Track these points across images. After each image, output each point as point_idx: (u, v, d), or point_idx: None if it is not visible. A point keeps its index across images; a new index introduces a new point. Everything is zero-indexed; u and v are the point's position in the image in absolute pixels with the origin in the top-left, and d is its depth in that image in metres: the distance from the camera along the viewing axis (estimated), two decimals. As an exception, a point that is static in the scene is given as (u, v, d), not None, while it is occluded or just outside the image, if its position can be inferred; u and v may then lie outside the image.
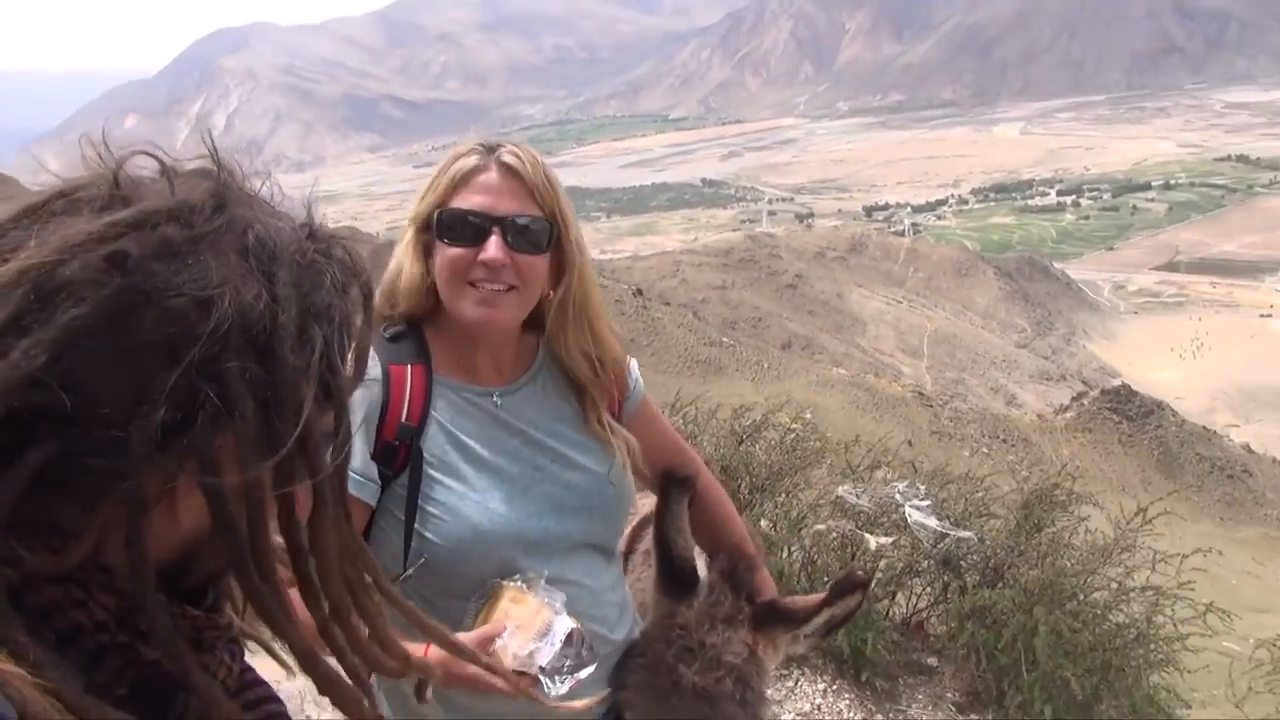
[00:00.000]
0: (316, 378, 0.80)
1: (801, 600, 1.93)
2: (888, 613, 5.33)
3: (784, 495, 5.69)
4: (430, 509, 1.71)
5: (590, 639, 1.69)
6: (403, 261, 1.79)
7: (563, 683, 1.61)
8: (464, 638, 1.60)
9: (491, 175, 1.73)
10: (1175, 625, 4.93)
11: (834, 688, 4.66)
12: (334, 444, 0.84)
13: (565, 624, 1.64)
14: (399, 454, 1.71)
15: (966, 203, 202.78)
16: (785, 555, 5.01)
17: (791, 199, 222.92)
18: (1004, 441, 45.00)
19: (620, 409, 1.98)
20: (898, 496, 5.10)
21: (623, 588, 2.03)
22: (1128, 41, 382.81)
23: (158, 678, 0.79)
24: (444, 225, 1.72)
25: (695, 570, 1.90)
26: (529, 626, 1.62)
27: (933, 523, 4.95)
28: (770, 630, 1.89)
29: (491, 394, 1.82)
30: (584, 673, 1.64)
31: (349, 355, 0.85)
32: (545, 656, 1.61)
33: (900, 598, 5.48)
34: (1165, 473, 43.91)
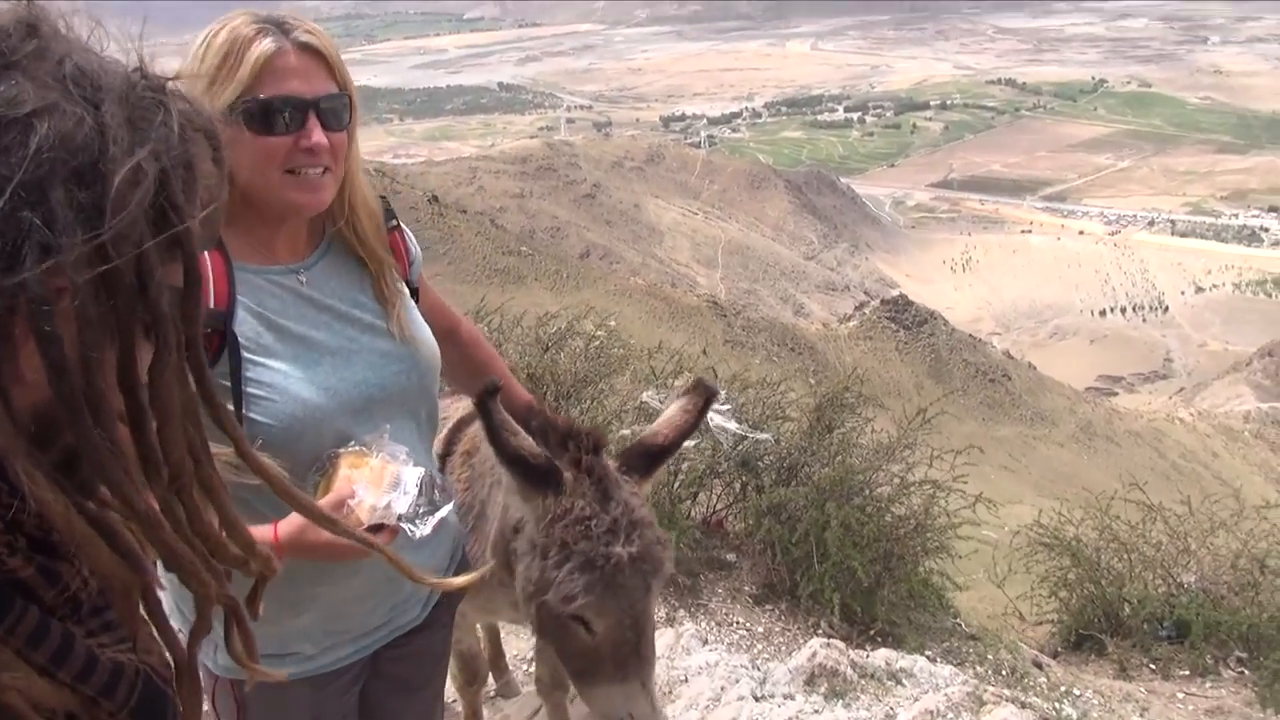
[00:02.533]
0: (155, 214, 0.75)
1: (666, 429, 2.08)
2: (689, 513, 5.52)
3: (589, 402, 5.75)
4: (255, 391, 1.68)
5: (441, 481, 1.74)
6: None
7: (425, 525, 1.66)
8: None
9: (291, 58, 1.66)
10: (949, 516, 5.35)
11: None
12: (180, 291, 0.78)
13: (414, 472, 1.68)
14: (211, 342, 1.66)
15: (760, 116, 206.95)
16: (591, 461, 5.07)
17: (590, 107, 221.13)
18: (793, 350, 46.92)
19: (407, 272, 2.01)
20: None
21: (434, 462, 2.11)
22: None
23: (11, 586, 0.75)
24: (257, 115, 1.63)
25: (552, 461, 1.92)
26: (379, 482, 1.65)
27: (732, 426, 5.11)
28: (651, 469, 2.05)
29: (296, 272, 1.79)
30: (443, 511, 1.69)
31: (195, 201, 0.79)
32: (402, 505, 1.65)
33: (701, 498, 5.68)
34: (936, 378, 47.05)
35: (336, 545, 1.61)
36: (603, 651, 1.91)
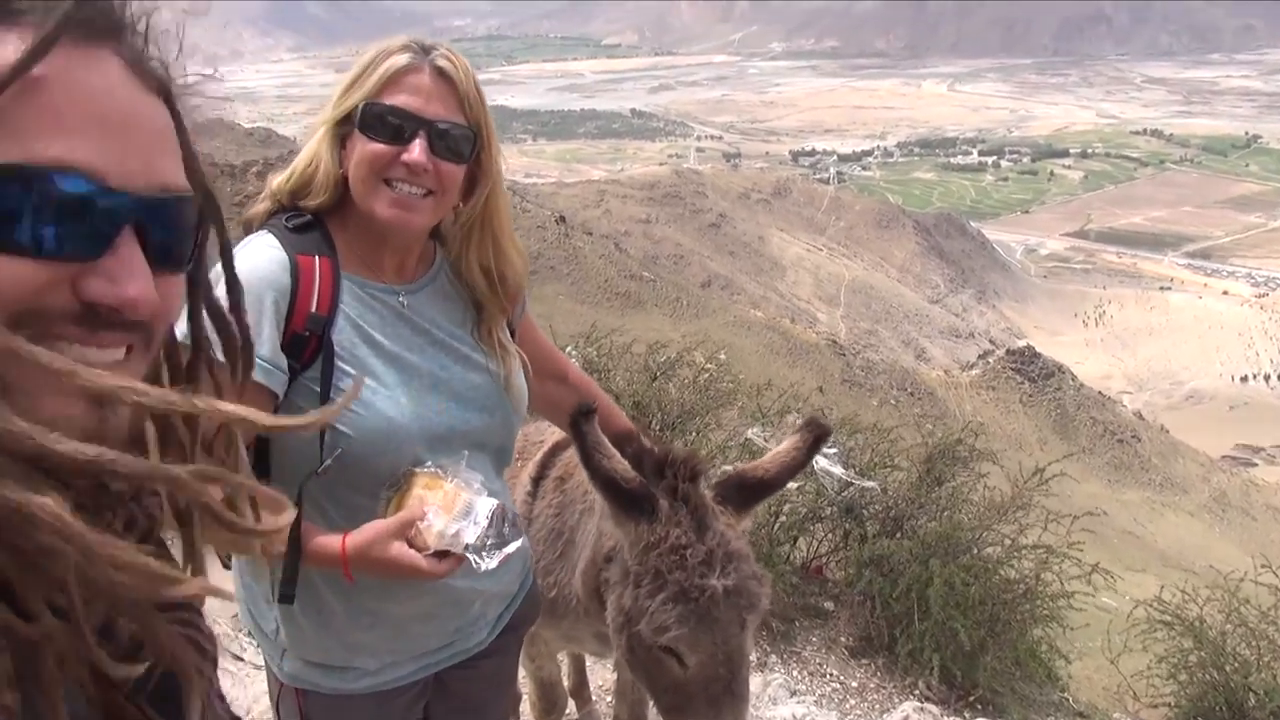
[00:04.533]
0: None
1: (770, 464, 2.00)
2: (788, 557, 5.39)
3: (694, 434, 5.68)
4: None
5: (512, 515, 1.71)
6: (319, 152, 1.72)
7: (491, 559, 1.64)
8: (384, 524, 1.63)
9: (424, 77, 1.68)
10: (1062, 583, 5.08)
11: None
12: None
13: (487, 503, 1.66)
14: (308, 345, 1.68)
15: (891, 155, 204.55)
16: (691, 494, 4.99)
17: (720, 137, 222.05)
18: (911, 394, 46.02)
19: (513, 317, 2.01)
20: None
21: (509, 496, 2.10)
22: (1058, 8, 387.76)
23: None
24: (369, 120, 1.66)
25: (646, 486, 1.89)
26: (450, 508, 1.64)
27: (838, 471, 4.99)
28: (750, 504, 1.98)
29: (397, 292, 1.80)
30: (511, 547, 1.67)
31: None
32: (471, 535, 1.63)
33: (802, 543, 5.54)
34: (1061, 433, 45.50)
35: (401, 563, 1.61)
36: (694, 687, 1.84)
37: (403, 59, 1.66)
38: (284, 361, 1.66)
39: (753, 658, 4.56)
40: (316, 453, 1.66)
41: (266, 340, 1.62)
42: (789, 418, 5.73)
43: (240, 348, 0.90)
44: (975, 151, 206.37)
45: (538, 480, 2.63)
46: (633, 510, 1.89)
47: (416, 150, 1.65)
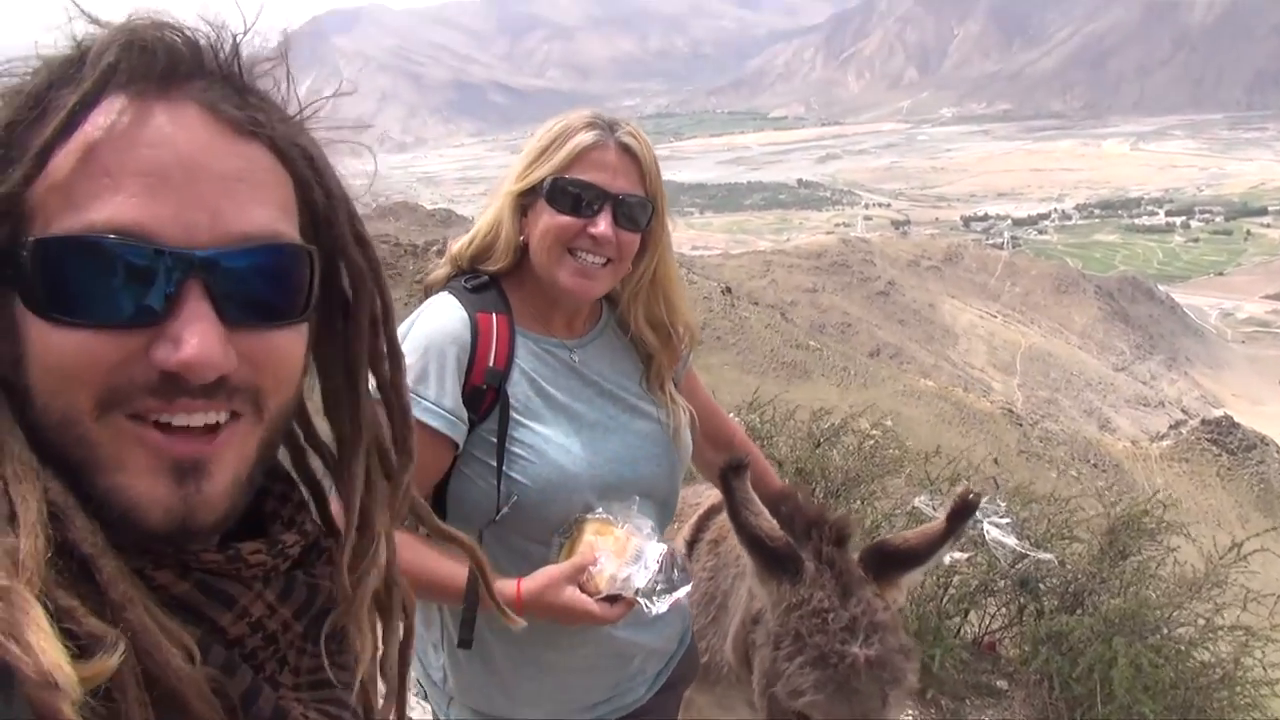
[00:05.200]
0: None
1: (914, 536, 1.95)
2: (958, 631, 5.18)
3: (859, 502, 5.57)
4: (518, 451, 1.76)
5: (681, 561, 1.75)
6: (501, 220, 1.83)
7: (661, 603, 1.68)
8: (558, 569, 1.68)
9: (609, 154, 1.78)
10: (1264, 669, 4.68)
11: (897, 703, 4.53)
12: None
13: (657, 548, 1.71)
14: (486, 398, 1.76)
15: (1070, 218, 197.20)
16: (856, 564, 4.89)
17: (888, 205, 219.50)
18: (1095, 466, 43.68)
19: (675, 376, 2.07)
20: (977, 513, 4.92)
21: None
22: (1250, 59, 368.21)
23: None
24: (558, 194, 1.76)
25: (791, 546, 1.87)
26: (621, 553, 1.68)
27: (1011, 541, 4.76)
28: (892, 575, 1.92)
29: (569, 347, 1.89)
30: (681, 592, 1.71)
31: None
32: (641, 580, 1.67)
33: (973, 617, 5.32)
34: (1264, 510, 42.09)
35: (574, 608, 1.66)
36: None
37: (589, 136, 1.76)
38: (465, 414, 1.74)
39: (917, 736, 4.40)
40: (494, 501, 1.75)
41: (449, 393, 1.72)
42: (958, 486, 5.54)
43: (398, 415, 0.90)
44: (1162, 212, 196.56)
45: (692, 543, 2.63)
46: (777, 570, 1.87)
47: (603, 224, 1.75)
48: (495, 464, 1.75)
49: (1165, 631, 4.56)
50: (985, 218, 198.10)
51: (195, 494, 0.72)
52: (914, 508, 5.23)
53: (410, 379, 1.66)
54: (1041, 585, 5.04)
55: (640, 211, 1.80)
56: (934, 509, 5.19)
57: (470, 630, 1.74)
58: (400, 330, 1.76)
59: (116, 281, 0.68)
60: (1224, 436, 47.95)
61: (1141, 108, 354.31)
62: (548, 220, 1.76)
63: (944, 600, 4.99)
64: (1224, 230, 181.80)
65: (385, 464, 0.88)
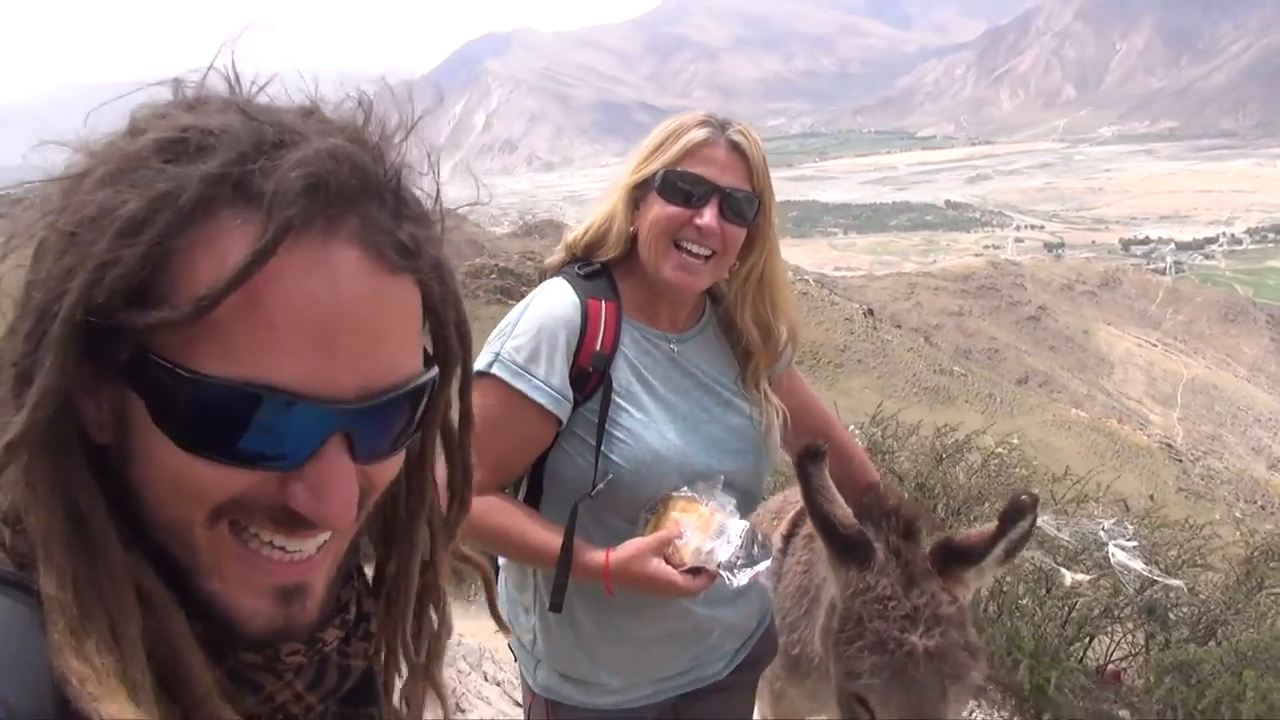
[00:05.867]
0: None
1: (975, 534, 1.95)
2: (1081, 657, 5.04)
3: (979, 520, 5.48)
4: (616, 433, 1.86)
5: (762, 537, 1.82)
6: (615, 211, 1.93)
7: (742, 575, 1.75)
8: (645, 541, 1.77)
9: (720, 150, 1.86)
10: None
11: (1012, 727, 4.46)
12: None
13: (739, 524, 1.78)
14: (591, 380, 1.86)
15: (1240, 243, 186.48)
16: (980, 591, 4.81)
17: (1041, 227, 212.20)
18: (1263, 508, 41.08)
19: (771, 375, 2.11)
20: (1102, 534, 4.80)
21: None
22: None
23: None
24: (670, 184, 1.85)
25: (864, 533, 1.92)
26: (705, 528, 1.76)
27: (1139, 565, 4.64)
28: (955, 570, 1.93)
29: (671, 340, 1.97)
30: (761, 565, 1.77)
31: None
32: (724, 553, 1.75)
33: (1099, 644, 5.16)
34: None
35: (658, 578, 1.74)
36: None
37: (702, 133, 1.85)
38: (570, 393, 1.84)
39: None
40: (589, 478, 1.85)
41: (558, 373, 1.82)
42: (1081, 505, 5.40)
43: (460, 473, 0.91)
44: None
45: (789, 537, 2.69)
46: (847, 556, 1.92)
47: (708, 215, 1.83)
48: (595, 443, 1.84)
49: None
50: (1146, 241, 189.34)
51: (299, 612, 0.75)
52: (1037, 527, 5.13)
53: (522, 358, 1.81)
54: (1171, 614, 4.86)
55: (747, 206, 1.86)
56: (1058, 529, 5.09)
57: (561, 595, 1.83)
58: (515, 310, 1.90)
59: (264, 431, 0.69)
60: None
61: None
62: (657, 210, 1.85)
63: (1065, 623, 4.87)
64: None
65: (434, 521, 0.91)
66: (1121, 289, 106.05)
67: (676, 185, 1.84)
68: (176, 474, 0.69)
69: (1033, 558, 4.88)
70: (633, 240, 1.92)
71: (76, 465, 0.69)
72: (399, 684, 0.92)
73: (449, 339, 0.82)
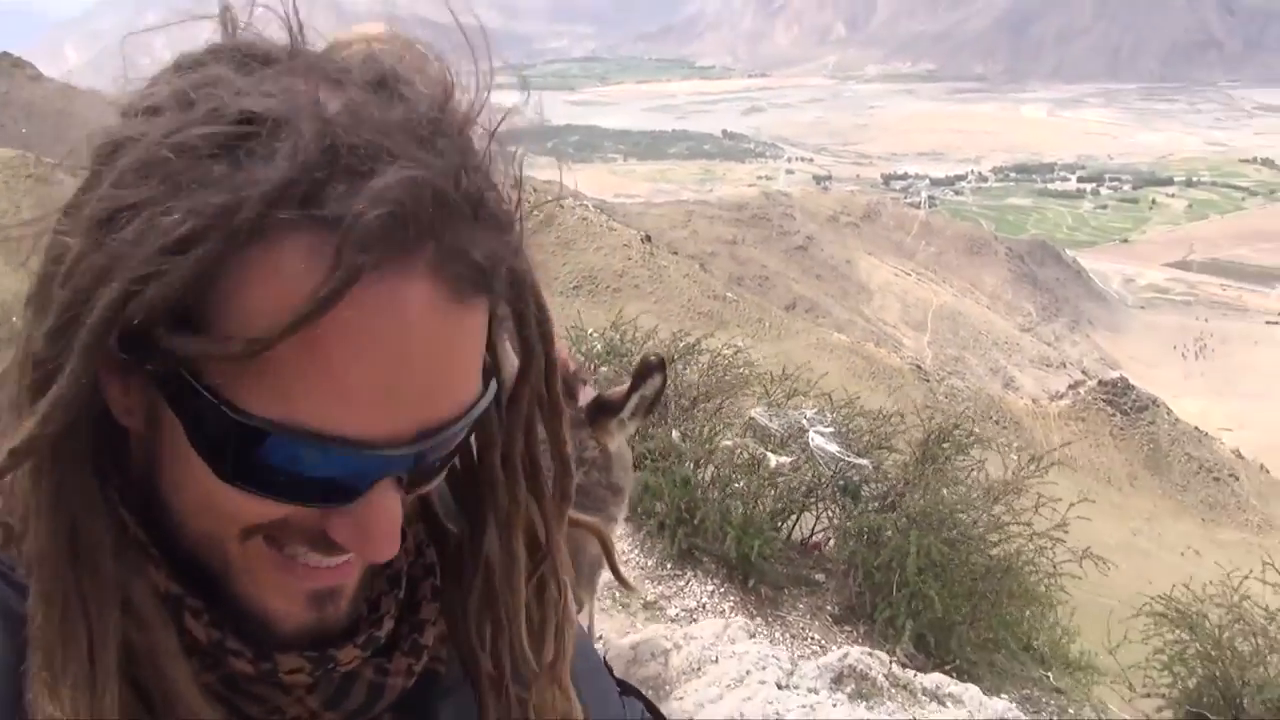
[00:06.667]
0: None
1: (616, 391, 2.30)
2: (790, 532, 5.66)
3: (709, 416, 5.99)
4: None
5: None
6: None
7: None
8: None
9: None
10: (1053, 565, 5.27)
11: (721, 590, 5.00)
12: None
13: None
14: None
15: (986, 180, 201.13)
16: (695, 469, 5.32)
17: (811, 159, 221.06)
18: (996, 423, 45.10)
19: None
20: (804, 422, 5.40)
21: None
22: (1167, 31, 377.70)
23: None
24: None
25: None
26: None
27: (833, 448, 5.26)
28: (602, 421, 2.27)
29: None
30: None
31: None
32: None
33: (804, 521, 5.81)
34: (1153, 469, 44.09)
35: None
36: None
37: None
38: None
39: (730, 612, 4.86)
40: None
41: None
42: (794, 400, 6.01)
43: (560, 465, 0.85)
44: (1074, 178, 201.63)
45: None
46: None
47: None
48: None
49: (958, 530, 5.10)
50: (905, 176, 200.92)
51: (332, 612, 0.72)
52: (750, 418, 5.70)
53: None
54: (864, 491, 5.54)
55: None
56: (769, 420, 5.66)
57: None
58: None
59: (313, 474, 0.64)
60: (1119, 397, 49.60)
61: (1060, 75, 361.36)
62: None
63: (775, 500, 5.45)
64: (1131, 198, 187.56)
65: (544, 507, 0.84)
66: (881, 221, 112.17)
67: None
68: (210, 494, 0.65)
69: (746, 444, 5.45)
70: None
71: (83, 480, 0.65)
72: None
73: (530, 339, 0.75)
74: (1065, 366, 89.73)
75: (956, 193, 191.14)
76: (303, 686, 0.73)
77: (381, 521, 0.67)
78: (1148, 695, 5.83)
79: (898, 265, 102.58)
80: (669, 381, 6.35)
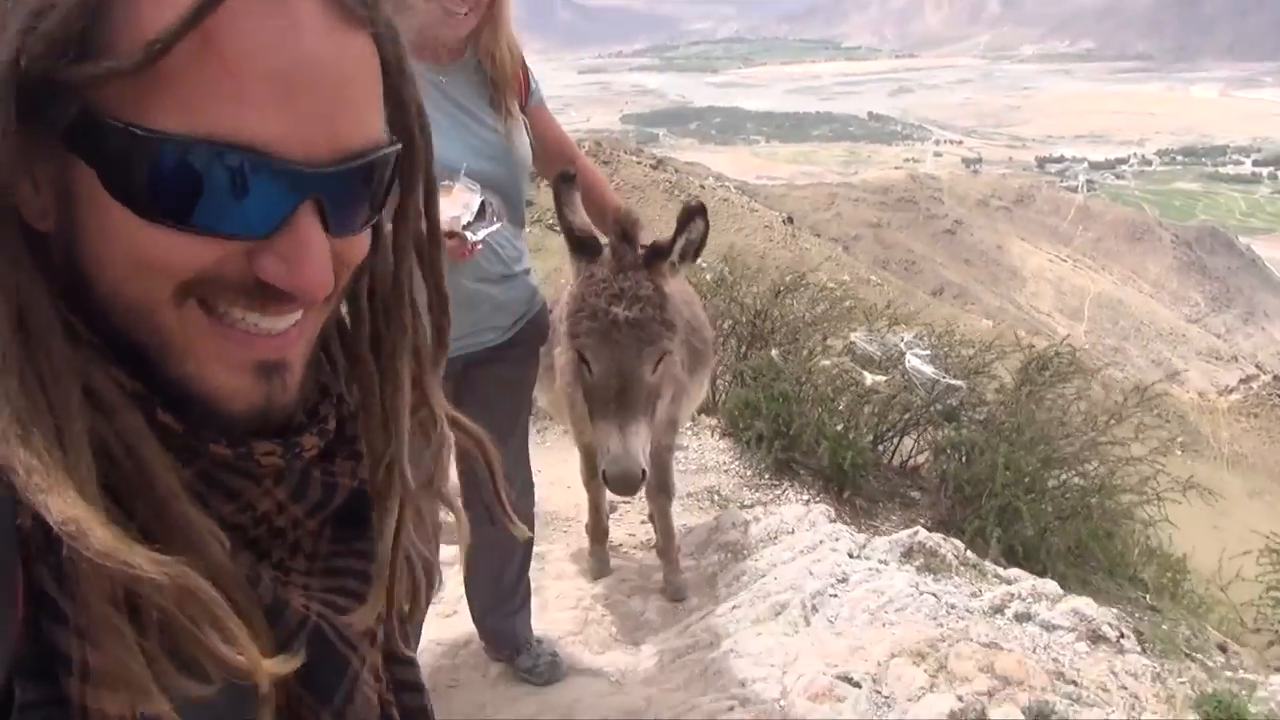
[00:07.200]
0: None
1: (664, 238, 2.58)
2: (886, 454, 5.82)
3: (816, 348, 6.18)
4: None
5: (495, 206, 2.43)
6: None
7: (479, 232, 2.36)
8: None
9: None
10: (1156, 493, 5.28)
11: (816, 500, 5.21)
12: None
13: (477, 198, 2.38)
14: None
15: (1150, 164, 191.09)
16: (793, 386, 5.53)
17: (960, 142, 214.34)
18: (1158, 416, 42.98)
19: (525, 102, 2.72)
20: (902, 345, 5.55)
21: (523, 242, 2.81)
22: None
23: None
24: None
25: (594, 236, 2.56)
26: (455, 202, 2.34)
27: (929, 370, 5.40)
28: (656, 264, 2.56)
29: (433, 72, 2.55)
30: (494, 226, 2.40)
31: None
32: (466, 218, 2.34)
33: (908, 443, 5.94)
34: (1330, 469, 41.42)
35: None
36: (596, 393, 2.51)
37: None
38: None
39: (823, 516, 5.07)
40: None
41: None
42: (894, 327, 6.15)
43: (437, 301, 0.87)
44: (1249, 161, 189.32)
45: None
46: (581, 253, 2.56)
47: None
48: None
49: (1049, 445, 5.17)
50: (1061, 160, 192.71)
51: (280, 389, 0.72)
52: (851, 341, 5.88)
53: None
54: (964, 416, 5.65)
55: None
56: (868, 344, 5.83)
57: None
58: None
59: (232, 193, 0.64)
60: (1295, 393, 46.89)
61: (1235, 53, 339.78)
62: None
63: (865, 415, 5.60)
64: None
65: (419, 359, 0.84)
66: (1035, 205, 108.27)
67: None
68: (135, 249, 0.65)
69: (843, 364, 5.63)
70: None
71: (16, 255, 0.64)
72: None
73: (410, 126, 0.77)
74: (1237, 360, 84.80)
75: (1117, 177, 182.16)
76: (273, 474, 0.73)
77: (309, 250, 0.67)
78: (1258, 630, 5.75)
79: (1052, 251, 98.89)
80: (774, 308, 6.58)
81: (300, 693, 0.75)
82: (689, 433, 5.97)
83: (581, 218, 2.58)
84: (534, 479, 3.20)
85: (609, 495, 3.90)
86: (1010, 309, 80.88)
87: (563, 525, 4.78)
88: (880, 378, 5.39)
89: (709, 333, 3.57)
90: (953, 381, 5.34)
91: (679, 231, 2.51)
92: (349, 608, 0.79)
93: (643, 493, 3.35)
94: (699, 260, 2.69)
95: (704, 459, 5.68)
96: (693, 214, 2.51)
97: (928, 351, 5.53)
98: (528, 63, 2.70)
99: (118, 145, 0.62)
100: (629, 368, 2.47)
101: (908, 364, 5.43)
